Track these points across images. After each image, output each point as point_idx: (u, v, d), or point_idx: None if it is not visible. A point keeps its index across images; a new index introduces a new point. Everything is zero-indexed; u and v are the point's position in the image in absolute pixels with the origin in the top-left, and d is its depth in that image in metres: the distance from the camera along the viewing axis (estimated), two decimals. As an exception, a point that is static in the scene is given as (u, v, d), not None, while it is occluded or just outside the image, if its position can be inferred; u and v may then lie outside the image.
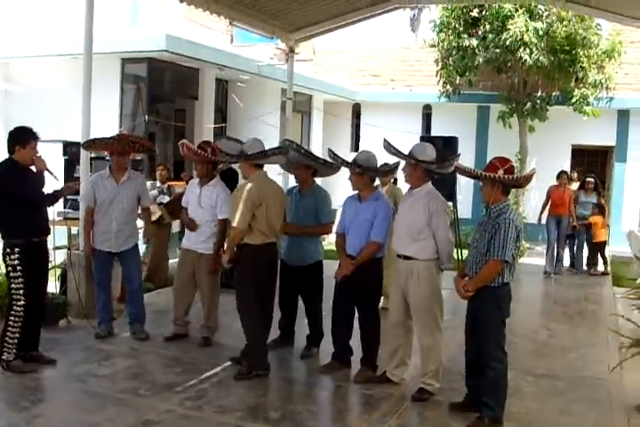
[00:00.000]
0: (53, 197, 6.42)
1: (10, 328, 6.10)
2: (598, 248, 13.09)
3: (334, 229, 6.69)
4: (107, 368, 6.34)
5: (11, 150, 6.13)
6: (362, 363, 6.39)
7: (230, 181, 8.01)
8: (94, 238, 7.20)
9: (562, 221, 12.66)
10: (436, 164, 5.85)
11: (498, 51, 14.62)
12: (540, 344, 7.96)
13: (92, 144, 7.33)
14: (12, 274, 6.10)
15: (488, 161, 5.47)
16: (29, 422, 5.11)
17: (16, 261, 6.06)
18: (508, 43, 14.12)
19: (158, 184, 10.00)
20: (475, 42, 14.87)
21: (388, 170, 6.47)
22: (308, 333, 7.07)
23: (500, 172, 5.26)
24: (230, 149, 6.57)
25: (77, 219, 8.16)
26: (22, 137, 6.12)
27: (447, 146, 10.66)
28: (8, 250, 6.09)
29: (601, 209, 13.09)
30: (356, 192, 6.43)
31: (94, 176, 7.50)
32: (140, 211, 7.58)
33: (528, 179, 5.48)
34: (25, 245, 6.09)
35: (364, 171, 6.21)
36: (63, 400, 5.70)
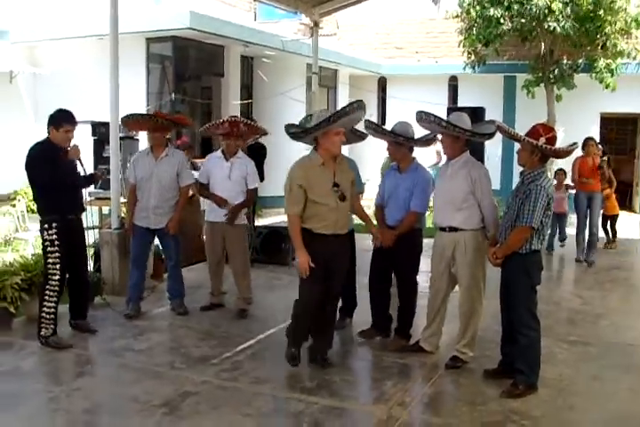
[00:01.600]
0: (88, 180, 6.74)
1: (46, 302, 6.26)
2: (613, 221, 12.42)
3: (368, 199, 6.66)
4: (142, 343, 6.43)
5: (48, 131, 6.31)
6: (395, 332, 6.46)
7: (258, 154, 8.08)
8: (135, 215, 7.28)
9: (594, 198, 10.84)
10: (474, 131, 5.78)
11: (523, 20, 14.45)
12: (572, 312, 7.95)
13: (129, 120, 7.34)
14: (49, 249, 6.27)
15: (532, 126, 5.38)
16: (69, 394, 5.22)
17: (54, 236, 6.24)
18: (534, 11, 13.93)
19: (186, 163, 10.05)
20: (499, 11, 14.69)
21: (428, 139, 6.41)
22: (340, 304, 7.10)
23: (542, 140, 5.19)
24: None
25: (108, 199, 8.26)
26: (57, 119, 6.28)
27: (475, 117, 10.48)
28: (46, 226, 6.27)
29: (610, 182, 11.65)
30: (395, 163, 6.42)
31: (136, 154, 7.68)
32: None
33: (568, 153, 5.43)
34: (61, 221, 6.27)
35: (406, 140, 6.19)
36: (101, 374, 5.81)
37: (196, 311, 7.40)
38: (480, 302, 5.86)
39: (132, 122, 7.38)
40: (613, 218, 12.35)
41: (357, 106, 5.45)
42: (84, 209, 6.71)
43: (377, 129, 6.40)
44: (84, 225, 6.88)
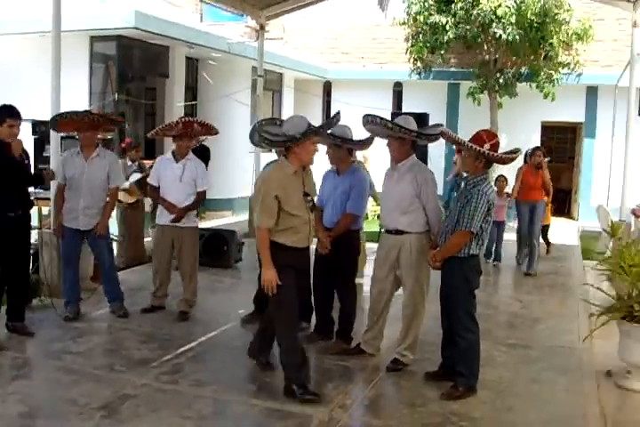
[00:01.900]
0: (36, 178, 6.72)
1: None
2: (546, 232, 12.02)
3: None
4: (81, 345, 6.33)
5: None
6: (337, 335, 6.48)
7: (203, 157, 8.03)
8: (63, 216, 7.12)
9: (536, 207, 10.56)
10: (421, 132, 5.81)
11: (468, 27, 14.68)
12: (512, 315, 8.09)
13: (58, 119, 7.16)
14: None
15: (475, 132, 5.42)
16: (4, 399, 5.10)
17: None
18: (479, 18, 14.15)
19: (129, 163, 9.91)
20: (445, 19, 14.89)
21: (365, 141, 6.47)
22: None
23: (487, 146, 5.24)
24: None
25: (48, 199, 8.08)
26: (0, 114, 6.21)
27: (419, 122, 10.62)
28: None
29: (546, 189, 10.81)
30: (334, 166, 6.45)
31: (65, 153, 7.45)
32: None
33: (512, 159, 5.52)
34: None
35: (343, 142, 6.22)
36: (38, 377, 5.70)
37: (136, 314, 7.31)
38: (423, 305, 5.91)
39: (64, 122, 7.14)
40: (545, 228, 11.87)
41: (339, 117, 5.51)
42: (30, 205, 6.60)
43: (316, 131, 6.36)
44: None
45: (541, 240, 11.33)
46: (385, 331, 6.24)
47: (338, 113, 5.54)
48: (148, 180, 7.46)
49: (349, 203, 6.24)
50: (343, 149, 6.32)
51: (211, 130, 7.54)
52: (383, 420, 5.06)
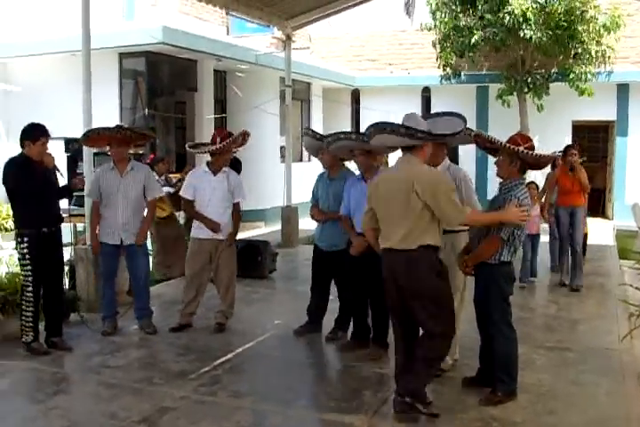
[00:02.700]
0: (64, 191, 6.79)
1: (24, 313, 6.43)
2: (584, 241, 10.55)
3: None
4: (120, 359, 6.38)
5: (22, 145, 6.41)
6: (373, 341, 6.44)
7: (234, 168, 8.03)
8: (100, 232, 7.16)
9: (576, 213, 9.50)
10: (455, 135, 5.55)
11: (496, 30, 14.61)
12: (549, 318, 8.00)
13: (89, 136, 7.24)
14: (21, 261, 6.43)
15: (509, 137, 5.29)
16: (46, 414, 5.15)
17: (25, 250, 6.37)
18: (507, 20, 14.08)
19: (156, 177, 9.95)
20: (472, 21, 14.84)
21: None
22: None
23: (521, 148, 5.18)
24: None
25: (82, 215, 8.18)
26: (32, 133, 6.40)
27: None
28: (19, 239, 6.40)
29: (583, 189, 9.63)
30: (360, 173, 6.45)
31: (98, 169, 7.50)
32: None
33: (549, 160, 5.43)
34: (34, 234, 6.36)
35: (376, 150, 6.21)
36: (79, 392, 5.76)
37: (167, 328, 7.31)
38: (457, 308, 5.80)
39: (96, 138, 7.24)
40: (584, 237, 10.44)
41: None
42: (61, 220, 6.70)
43: (350, 137, 6.31)
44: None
45: None
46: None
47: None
48: (181, 193, 7.38)
49: None
50: (373, 155, 6.31)
51: (245, 141, 7.47)
52: (423, 426, 5.01)
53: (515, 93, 16.04)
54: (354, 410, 5.20)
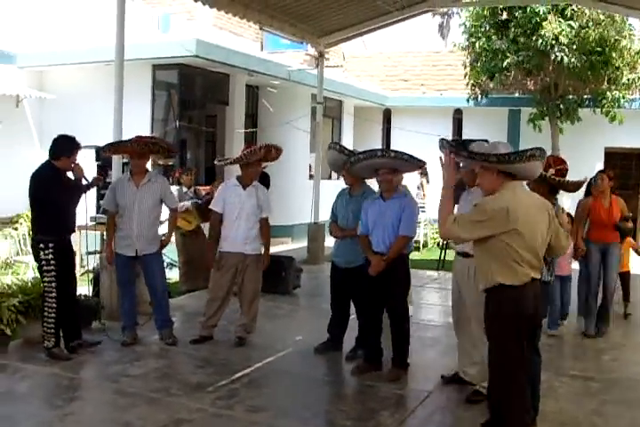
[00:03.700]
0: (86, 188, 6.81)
1: (46, 319, 6.48)
2: (626, 280, 9.33)
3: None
4: (139, 368, 6.37)
5: (53, 157, 6.49)
6: (393, 362, 6.34)
7: (262, 183, 8.01)
8: (116, 243, 7.16)
9: (610, 251, 8.13)
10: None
11: (530, 53, 14.56)
12: (575, 346, 7.87)
13: (110, 148, 7.35)
14: (45, 268, 6.47)
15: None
16: (62, 420, 5.16)
17: (50, 256, 6.44)
18: (540, 44, 14.03)
19: (185, 190, 9.98)
20: (504, 45, 14.81)
21: (420, 166, 6.42)
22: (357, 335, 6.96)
23: (551, 171, 5.09)
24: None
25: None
26: (69, 147, 6.55)
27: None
28: (42, 245, 6.45)
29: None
30: (378, 192, 6.43)
31: (115, 181, 7.55)
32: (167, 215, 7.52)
33: (578, 186, 5.36)
34: (57, 241, 6.49)
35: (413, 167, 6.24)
36: (96, 399, 5.74)
37: (190, 339, 7.27)
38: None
39: (115, 149, 7.41)
40: (625, 276, 9.22)
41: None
42: (74, 231, 6.86)
43: (392, 156, 6.23)
44: (84, 250, 6.93)
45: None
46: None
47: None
48: (211, 206, 7.33)
49: (402, 225, 6.16)
50: (400, 173, 6.27)
51: (277, 155, 7.37)
52: (440, 450, 4.97)
53: (546, 118, 15.94)
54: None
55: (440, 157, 4.79)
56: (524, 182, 4.96)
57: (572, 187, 5.36)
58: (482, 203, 4.61)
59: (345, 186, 7.10)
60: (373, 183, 6.66)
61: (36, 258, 6.53)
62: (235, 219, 7.15)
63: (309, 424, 5.23)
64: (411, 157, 6.16)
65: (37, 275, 7.32)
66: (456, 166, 4.75)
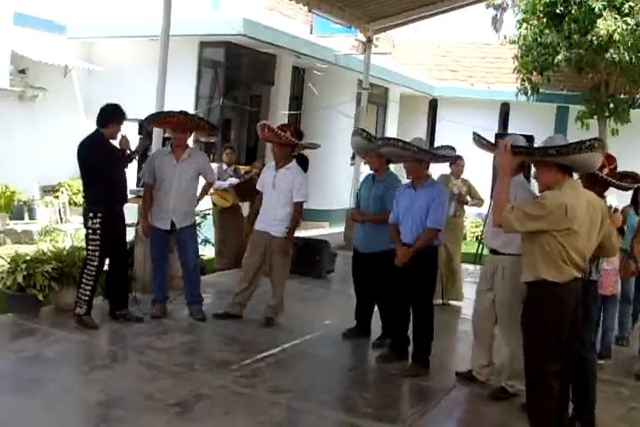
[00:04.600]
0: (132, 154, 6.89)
1: (83, 285, 6.53)
2: None
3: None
4: (165, 342, 6.40)
5: (102, 124, 6.55)
6: (413, 358, 6.23)
7: (301, 167, 7.96)
8: (152, 216, 7.18)
9: None
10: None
11: (582, 51, 14.28)
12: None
13: (155, 119, 7.35)
14: (91, 236, 6.55)
15: None
16: (86, 387, 5.23)
17: (97, 226, 6.51)
18: (594, 42, 13.74)
19: (225, 167, 9.98)
20: (557, 39, 14.53)
21: (452, 156, 6.40)
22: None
23: (605, 170, 4.97)
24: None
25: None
26: (117, 115, 6.60)
27: (525, 144, 10.42)
28: (91, 215, 6.53)
29: None
30: (409, 181, 6.32)
31: (154, 153, 7.57)
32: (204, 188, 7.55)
33: (628, 189, 5.24)
34: (107, 211, 6.54)
35: (431, 158, 6.11)
36: (120, 369, 5.77)
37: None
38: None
39: (158, 121, 7.41)
40: None
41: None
42: (126, 201, 6.88)
43: (398, 145, 6.15)
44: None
45: None
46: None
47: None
48: (258, 186, 7.37)
49: (430, 217, 6.03)
50: (424, 163, 6.18)
51: (275, 134, 7.13)
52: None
53: (595, 117, 15.65)
54: (390, 420, 5.09)
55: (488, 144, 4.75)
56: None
57: (627, 187, 5.23)
58: (542, 197, 4.51)
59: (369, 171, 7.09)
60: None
61: (85, 226, 6.61)
62: (266, 200, 7.16)
63: (330, 409, 5.21)
64: (420, 149, 6.03)
65: (74, 244, 7.41)
66: (512, 154, 4.66)
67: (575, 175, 4.87)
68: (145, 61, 12.80)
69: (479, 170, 10.94)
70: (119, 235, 6.79)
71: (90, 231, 6.54)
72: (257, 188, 7.38)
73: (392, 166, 7.08)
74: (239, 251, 9.58)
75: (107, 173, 6.49)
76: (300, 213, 7.24)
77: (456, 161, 8.06)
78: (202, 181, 7.44)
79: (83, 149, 6.51)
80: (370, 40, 13.27)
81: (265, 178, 7.26)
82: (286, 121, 14.18)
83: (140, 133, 10.77)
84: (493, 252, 5.69)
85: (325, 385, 5.79)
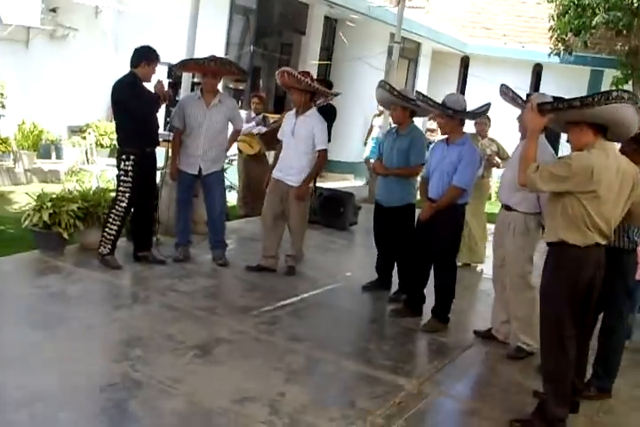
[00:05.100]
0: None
1: (109, 225, 6.60)
2: None
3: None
4: (187, 285, 6.46)
5: (135, 65, 6.50)
6: (433, 313, 6.22)
7: (328, 116, 7.88)
8: (180, 160, 7.16)
9: None
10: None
11: (619, 13, 13.93)
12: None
13: (186, 64, 7.31)
14: (122, 178, 6.58)
15: None
16: (107, 325, 5.32)
17: (129, 167, 6.54)
18: (634, 4, 13.41)
19: (253, 115, 9.92)
20: (596, 0, 14.18)
21: (478, 112, 6.29)
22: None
23: None
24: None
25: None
26: (149, 55, 6.54)
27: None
28: (124, 156, 6.56)
29: None
30: (445, 136, 6.24)
31: (184, 98, 7.51)
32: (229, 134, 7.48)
33: None
34: (139, 153, 6.55)
35: (455, 113, 6.00)
36: (142, 309, 5.83)
37: (243, 262, 7.29)
38: (530, 292, 5.58)
39: (189, 66, 7.38)
40: None
41: None
42: (158, 143, 6.86)
43: (426, 101, 6.14)
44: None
45: None
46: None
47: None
48: (279, 135, 7.30)
49: (456, 175, 5.94)
50: (455, 119, 6.07)
51: (296, 79, 6.96)
52: (473, 401, 4.96)
53: (630, 82, 15.35)
54: (407, 373, 5.13)
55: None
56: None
57: None
58: (568, 157, 4.35)
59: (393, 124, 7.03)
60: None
61: (118, 167, 6.62)
62: (286, 147, 7.11)
63: (347, 359, 5.24)
64: (437, 104, 6.01)
65: (100, 184, 7.44)
66: (541, 113, 4.55)
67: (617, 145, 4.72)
68: (175, 5, 12.64)
69: (508, 129, 10.80)
70: (149, 177, 6.80)
71: (122, 173, 6.56)
72: (277, 137, 7.32)
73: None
74: (262, 198, 9.59)
75: (139, 113, 6.45)
76: (322, 161, 7.16)
77: (480, 119, 7.95)
78: (230, 128, 7.40)
79: (116, 89, 6.48)
80: (404, -8, 13.03)
81: (285, 126, 7.18)
82: (316, 71, 14.05)
83: (169, 77, 10.76)
84: (507, 208, 5.66)
85: (344, 336, 5.84)
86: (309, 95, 7.04)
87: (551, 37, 15.76)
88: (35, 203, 6.82)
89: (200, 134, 7.03)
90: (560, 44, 15.81)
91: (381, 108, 12.73)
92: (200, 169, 7.09)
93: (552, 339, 4.45)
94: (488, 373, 5.57)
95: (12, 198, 9.50)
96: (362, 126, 15.71)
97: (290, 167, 7.03)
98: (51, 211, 6.65)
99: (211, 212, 7.33)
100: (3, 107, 10.68)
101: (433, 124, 14.77)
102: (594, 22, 14.28)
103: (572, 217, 4.29)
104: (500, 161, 8.63)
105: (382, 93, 6.73)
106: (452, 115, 5.99)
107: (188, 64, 7.31)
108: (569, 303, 4.36)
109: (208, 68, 7.01)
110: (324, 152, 7.05)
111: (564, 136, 4.81)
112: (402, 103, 6.63)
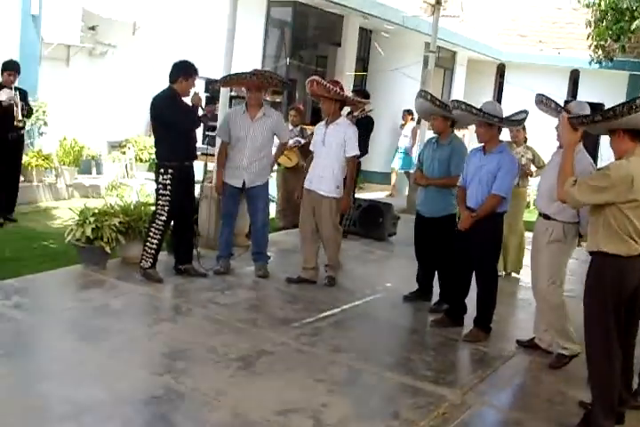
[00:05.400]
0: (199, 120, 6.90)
1: (150, 239, 6.67)
2: None
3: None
4: (228, 298, 6.51)
5: (173, 80, 6.61)
6: (475, 323, 6.18)
7: (366, 128, 7.90)
8: (225, 173, 7.24)
9: None
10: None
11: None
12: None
13: (228, 80, 7.40)
14: (161, 191, 6.65)
15: None
16: (150, 338, 5.36)
17: (168, 181, 6.60)
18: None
19: (290, 127, 9.96)
20: (635, 3, 14.02)
21: (520, 120, 6.22)
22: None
23: None
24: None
25: (214, 155, 8.31)
26: (187, 70, 6.64)
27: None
28: (162, 170, 6.63)
29: None
30: (481, 145, 6.20)
31: (229, 111, 7.60)
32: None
33: None
34: (178, 167, 6.63)
35: (500, 121, 5.97)
36: (184, 322, 5.87)
37: (284, 274, 7.33)
38: (557, 296, 5.55)
39: (232, 81, 7.44)
40: None
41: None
42: (196, 157, 6.97)
43: (471, 110, 6.05)
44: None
45: None
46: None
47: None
48: (310, 147, 7.38)
49: (496, 183, 5.92)
50: (494, 127, 6.05)
51: (325, 88, 7.01)
52: (517, 411, 4.90)
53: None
54: (449, 384, 5.10)
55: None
56: None
57: None
58: (607, 168, 4.31)
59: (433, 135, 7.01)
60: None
61: (156, 181, 6.71)
62: (316, 157, 7.15)
63: (390, 370, 5.23)
64: (479, 110, 5.94)
65: (140, 198, 7.52)
66: (573, 127, 4.53)
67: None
68: (213, 20, 12.78)
69: (545, 136, 10.73)
70: (188, 191, 6.87)
71: (160, 186, 6.63)
72: (309, 148, 7.36)
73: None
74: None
75: (178, 127, 6.54)
76: (354, 168, 7.18)
77: (516, 128, 7.86)
78: (275, 141, 7.47)
79: (155, 104, 6.59)
80: (438, 2, 13.01)
81: (315, 136, 7.23)
82: (352, 82, 14.10)
83: (206, 91, 10.84)
84: (545, 217, 5.61)
85: (385, 347, 5.83)
86: (339, 104, 7.10)
87: (590, 45, 15.59)
88: (77, 218, 6.91)
89: (245, 147, 7.11)
90: (599, 51, 15.63)
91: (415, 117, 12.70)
92: (244, 182, 7.15)
93: (598, 349, 4.41)
94: (531, 382, 5.52)
95: (55, 214, 9.64)
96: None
97: (320, 177, 7.07)
98: (93, 226, 6.73)
99: (254, 224, 7.42)
100: (45, 124, 10.84)
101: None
102: (633, 26, 14.10)
103: (615, 228, 4.25)
104: (534, 169, 8.55)
105: (423, 103, 6.74)
106: (497, 123, 5.98)
107: (231, 80, 7.38)
108: (614, 313, 4.31)
109: (251, 83, 7.07)
110: (355, 158, 7.08)
111: (603, 141, 4.80)
112: (443, 113, 6.60)
